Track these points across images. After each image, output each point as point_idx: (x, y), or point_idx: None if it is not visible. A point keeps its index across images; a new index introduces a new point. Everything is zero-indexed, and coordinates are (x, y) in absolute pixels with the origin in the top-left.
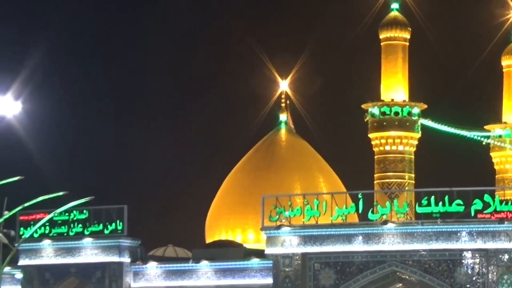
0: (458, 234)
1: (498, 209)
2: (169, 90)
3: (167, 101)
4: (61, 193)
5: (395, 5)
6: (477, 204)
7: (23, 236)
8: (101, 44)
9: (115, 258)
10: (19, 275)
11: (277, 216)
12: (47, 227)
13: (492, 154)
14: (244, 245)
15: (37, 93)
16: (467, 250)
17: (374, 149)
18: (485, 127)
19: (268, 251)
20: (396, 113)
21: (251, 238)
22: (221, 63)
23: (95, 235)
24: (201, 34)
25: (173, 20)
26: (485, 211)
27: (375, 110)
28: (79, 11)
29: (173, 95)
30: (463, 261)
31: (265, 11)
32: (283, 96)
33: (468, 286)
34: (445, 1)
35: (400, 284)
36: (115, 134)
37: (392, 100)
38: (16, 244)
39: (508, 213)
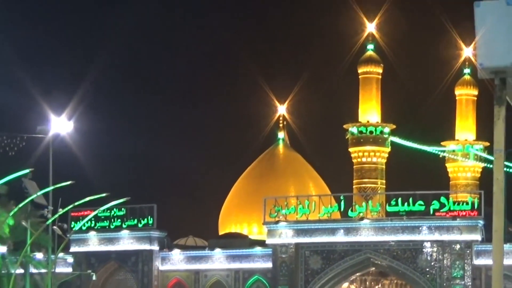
0: (420, 228)
1: (451, 209)
2: (191, 113)
3: (188, 120)
4: (104, 195)
5: (370, 46)
6: (435, 205)
7: (73, 229)
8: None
9: (146, 246)
10: (70, 259)
11: (276, 214)
12: (93, 222)
13: (447, 165)
14: (249, 236)
15: (86, 113)
16: (427, 241)
17: (353, 160)
18: (442, 143)
19: (269, 241)
20: (371, 132)
21: (255, 231)
22: (233, 91)
23: (130, 228)
24: (219, 64)
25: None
26: (441, 210)
27: (354, 129)
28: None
29: (193, 116)
30: (424, 250)
31: (266, 50)
32: (281, 118)
33: (427, 269)
34: (410, 42)
35: (373, 268)
36: (148, 147)
37: (368, 121)
38: (68, 235)
39: (459, 212)
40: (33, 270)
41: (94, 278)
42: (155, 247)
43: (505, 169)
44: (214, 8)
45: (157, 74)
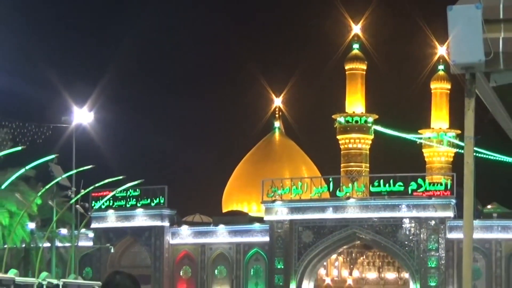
0: (399, 206)
1: (427, 189)
2: (198, 105)
3: (195, 111)
4: (120, 177)
5: (356, 45)
6: (413, 185)
7: (94, 207)
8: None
9: (158, 223)
10: (91, 234)
11: (272, 194)
12: (111, 201)
13: (423, 150)
14: (249, 214)
15: (105, 105)
16: (405, 217)
17: (341, 146)
18: (419, 131)
19: (266, 218)
20: (356, 121)
21: (254, 209)
22: (235, 86)
23: (144, 206)
24: (221, 62)
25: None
26: (418, 190)
27: (341, 119)
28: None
29: (199, 107)
30: (403, 225)
31: (264, 49)
32: (277, 109)
33: (406, 243)
34: (391, 42)
35: (358, 242)
36: (159, 136)
37: (354, 112)
38: (89, 213)
39: (434, 192)
40: (58, 244)
41: (112, 251)
42: (166, 224)
43: (474, 154)
44: (216, 8)
45: (166, 68)
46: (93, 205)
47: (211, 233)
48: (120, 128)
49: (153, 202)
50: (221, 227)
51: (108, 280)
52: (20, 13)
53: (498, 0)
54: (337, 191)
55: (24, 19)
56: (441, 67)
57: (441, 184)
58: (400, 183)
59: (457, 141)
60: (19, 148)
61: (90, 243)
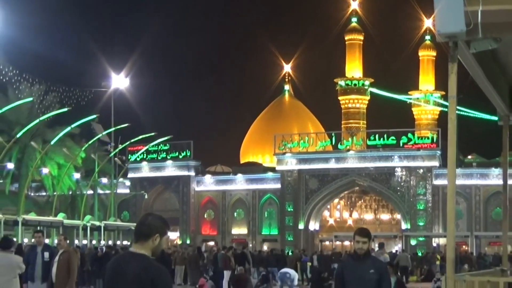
0: (392, 157)
1: (416, 142)
2: (219, 71)
3: (217, 75)
4: (153, 134)
5: (354, 19)
6: (404, 139)
7: (130, 160)
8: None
9: (185, 173)
10: (127, 183)
11: (283, 147)
12: (144, 154)
13: (413, 109)
14: (263, 164)
15: (140, 71)
16: (397, 167)
17: (341, 106)
18: (409, 92)
19: (278, 168)
20: (355, 84)
21: (267, 160)
22: (251, 55)
23: (173, 159)
24: (238, 35)
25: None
26: (408, 143)
27: (342, 83)
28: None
29: (221, 73)
30: (395, 173)
31: (276, 22)
32: (286, 74)
33: (398, 188)
34: (385, 16)
35: (357, 188)
36: (187, 97)
37: (352, 76)
38: (126, 165)
39: (422, 144)
40: (100, 191)
41: (146, 197)
42: (192, 173)
43: (456, 111)
44: None
45: (193, 41)
46: (129, 157)
47: (231, 181)
48: (152, 92)
49: (181, 155)
50: (239, 176)
51: (142, 221)
52: None
53: None
54: (339, 144)
55: None
56: (427, 37)
57: (428, 138)
58: (393, 137)
59: (441, 101)
60: (65, 109)
61: (127, 191)
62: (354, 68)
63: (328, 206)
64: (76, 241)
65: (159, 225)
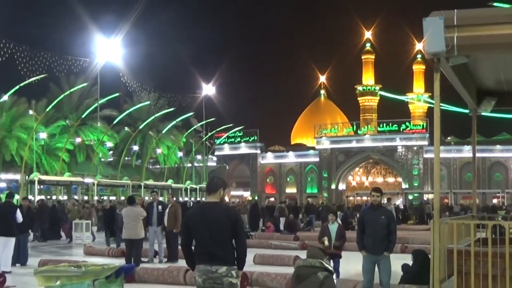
0: (395, 139)
1: (412, 128)
2: (277, 78)
3: (272, 82)
4: (231, 125)
5: (368, 44)
6: (403, 126)
7: (216, 143)
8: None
9: (253, 151)
10: (214, 158)
11: (320, 133)
12: (226, 139)
13: (409, 105)
14: (307, 144)
15: (222, 81)
16: (399, 145)
17: (360, 104)
18: (407, 93)
19: (317, 147)
20: (369, 89)
21: (310, 142)
22: (294, 68)
23: (245, 142)
24: (284, 49)
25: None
26: (406, 129)
27: (360, 88)
28: None
29: (279, 81)
30: (397, 150)
31: (314, 45)
32: (322, 83)
33: (399, 160)
34: (390, 41)
35: (371, 160)
36: (255, 98)
37: (367, 83)
38: (213, 146)
39: (416, 130)
40: (196, 164)
41: (227, 168)
42: (258, 151)
43: (439, 106)
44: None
45: (259, 52)
46: (215, 141)
47: (284, 157)
48: (232, 95)
49: (250, 139)
50: (290, 153)
51: (211, 181)
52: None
53: (452, 14)
54: (358, 131)
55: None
56: (419, 55)
57: (420, 125)
58: (396, 125)
59: (429, 99)
60: (172, 109)
61: (214, 164)
62: (368, 77)
63: (351, 173)
64: (180, 198)
65: (221, 182)
